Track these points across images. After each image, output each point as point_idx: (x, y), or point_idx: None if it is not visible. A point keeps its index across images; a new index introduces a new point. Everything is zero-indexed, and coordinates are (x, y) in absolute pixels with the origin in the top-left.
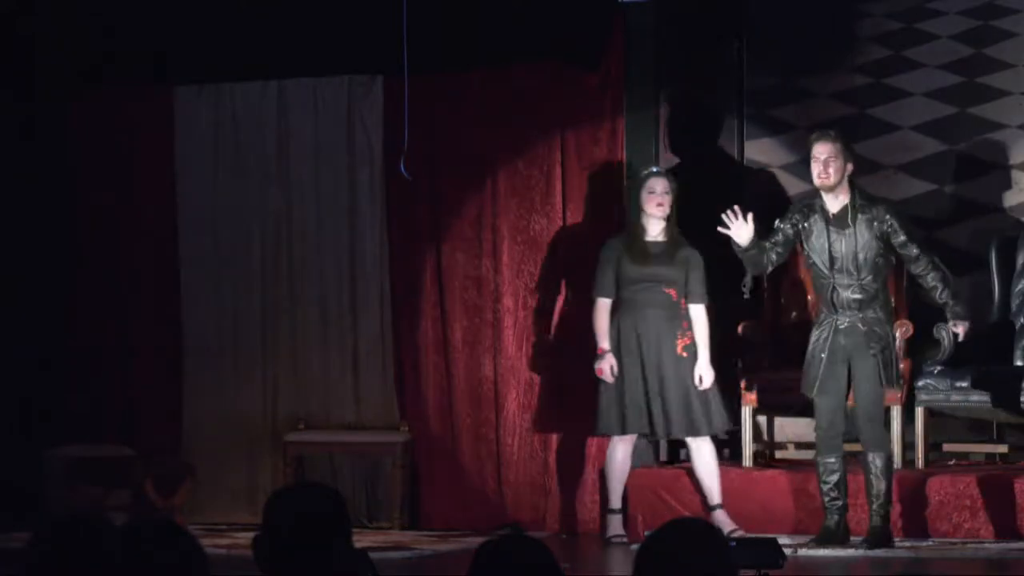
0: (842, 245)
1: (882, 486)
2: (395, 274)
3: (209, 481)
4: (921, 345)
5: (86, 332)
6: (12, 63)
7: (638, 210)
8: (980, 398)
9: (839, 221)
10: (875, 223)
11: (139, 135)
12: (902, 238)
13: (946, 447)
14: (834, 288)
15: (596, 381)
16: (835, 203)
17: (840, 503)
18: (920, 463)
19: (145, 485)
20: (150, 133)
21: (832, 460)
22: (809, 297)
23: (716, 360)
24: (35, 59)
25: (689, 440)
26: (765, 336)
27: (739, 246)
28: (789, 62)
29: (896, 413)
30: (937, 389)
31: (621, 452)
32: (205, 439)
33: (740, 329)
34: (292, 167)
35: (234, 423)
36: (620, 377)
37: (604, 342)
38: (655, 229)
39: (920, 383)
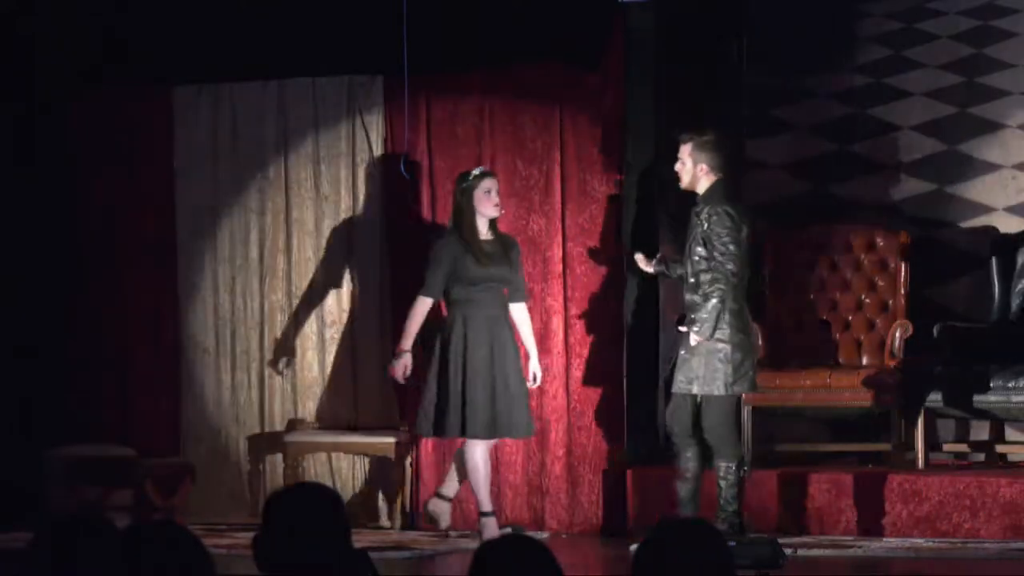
0: (685, 247)
1: (729, 493)
2: (395, 274)
3: (209, 481)
4: (921, 345)
5: (86, 332)
6: (12, 63)
7: (470, 210)
8: (980, 398)
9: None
10: (699, 225)
11: (139, 135)
12: (713, 242)
13: (946, 447)
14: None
15: (423, 381)
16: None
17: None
18: (920, 463)
19: (145, 485)
20: (150, 133)
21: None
22: (811, 296)
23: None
24: (35, 59)
25: (476, 441)
26: (765, 336)
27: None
28: (789, 62)
29: (895, 412)
30: (937, 389)
31: (480, 454)
32: (204, 439)
33: None
34: (292, 167)
35: (233, 423)
36: (445, 378)
37: (408, 342)
38: (484, 228)
39: (920, 383)
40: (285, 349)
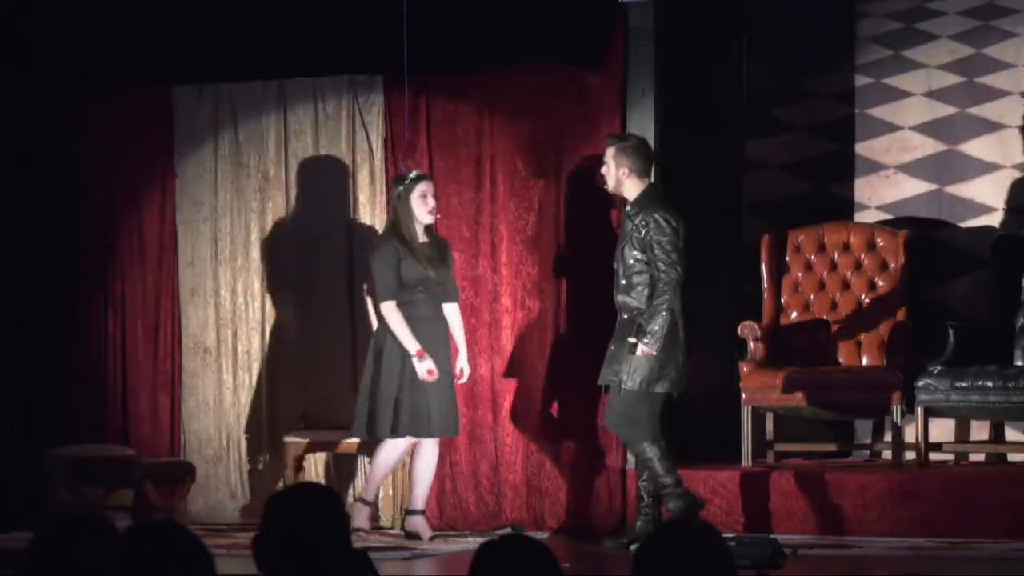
0: (617, 248)
1: (661, 467)
2: None
3: (209, 481)
4: (921, 345)
5: (86, 332)
6: (12, 63)
7: (406, 214)
8: (980, 398)
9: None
10: (635, 231)
11: (139, 135)
12: (656, 251)
13: (946, 447)
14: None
15: (372, 384)
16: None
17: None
18: (920, 463)
19: (145, 485)
20: (150, 133)
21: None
22: (811, 296)
23: (705, 360)
24: (35, 59)
25: (425, 440)
26: (765, 336)
27: None
28: (789, 62)
29: (895, 412)
30: (937, 389)
31: (402, 450)
32: (204, 439)
33: (740, 329)
34: (292, 167)
35: (233, 423)
36: (377, 380)
37: (416, 343)
38: (420, 231)
39: (920, 383)
40: (285, 348)
